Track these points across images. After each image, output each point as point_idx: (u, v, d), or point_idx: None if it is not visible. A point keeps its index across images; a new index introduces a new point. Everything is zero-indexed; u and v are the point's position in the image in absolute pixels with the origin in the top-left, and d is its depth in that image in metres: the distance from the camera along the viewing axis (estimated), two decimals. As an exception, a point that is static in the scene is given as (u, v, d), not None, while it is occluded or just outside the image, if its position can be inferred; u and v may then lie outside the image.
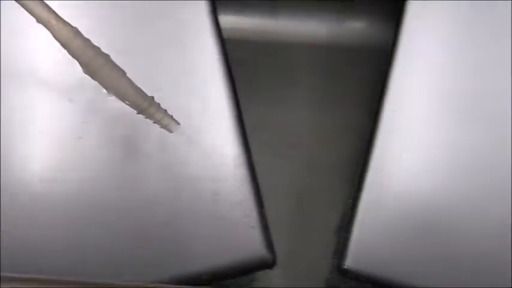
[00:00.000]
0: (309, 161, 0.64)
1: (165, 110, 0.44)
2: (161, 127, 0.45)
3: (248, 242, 0.47)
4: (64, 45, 0.36)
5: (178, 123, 0.45)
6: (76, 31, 0.36)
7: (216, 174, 0.48)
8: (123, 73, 0.39)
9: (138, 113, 0.42)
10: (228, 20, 0.68)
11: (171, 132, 0.45)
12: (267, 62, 0.68)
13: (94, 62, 0.37)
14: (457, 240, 0.49)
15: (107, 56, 0.38)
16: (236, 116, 0.50)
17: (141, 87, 0.41)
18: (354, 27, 0.69)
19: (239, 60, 0.64)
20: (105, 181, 0.47)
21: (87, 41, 0.37)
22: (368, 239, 0.49)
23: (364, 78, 0.60)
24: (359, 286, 0.50)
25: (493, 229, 0.48)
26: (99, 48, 0.37)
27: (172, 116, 0.44)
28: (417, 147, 0.50)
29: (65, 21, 0.36)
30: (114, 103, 0.41)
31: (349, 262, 0.48)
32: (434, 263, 0.48)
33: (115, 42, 0.48)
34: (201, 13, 0.53)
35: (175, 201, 0.47)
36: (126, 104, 0.40)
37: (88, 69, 0.37)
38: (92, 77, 0.38)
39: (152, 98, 0.42)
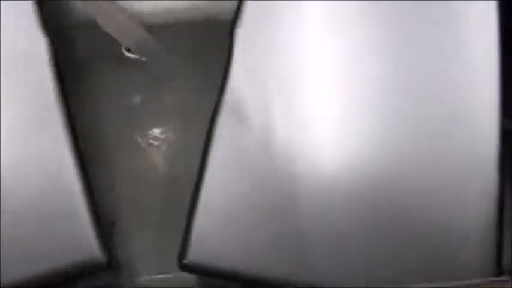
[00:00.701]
0: (176, 148, 0.63)
1: None
2: None
3: (78, 243, 0.46)
4: None
5: None
6: None
7: (45, 171, 0.46)
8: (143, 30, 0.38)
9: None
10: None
11: None
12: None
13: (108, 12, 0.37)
14: (301, 224, 0.48)
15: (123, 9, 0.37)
16: (64, 114, 0.48)
17: None
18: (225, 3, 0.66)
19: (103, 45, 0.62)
20: None
21: None
22: (209, 232, 0.48)
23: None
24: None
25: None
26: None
27: None
28: (259, 134, 0.49)
29: None
30: None
31: (190, 256, 0.47)
32: (277, 250, 0.48)
33: None
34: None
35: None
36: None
37: (101, 18, 0.36)
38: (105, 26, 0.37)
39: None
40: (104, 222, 0.50)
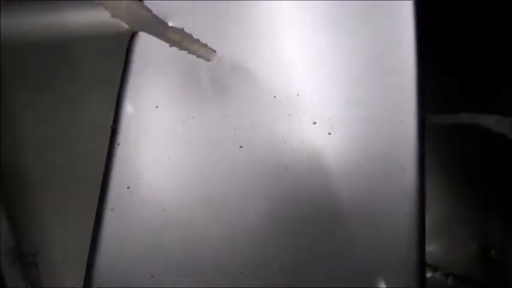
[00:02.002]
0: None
1: (198, 40, 0.43)
2: (197, 57, 0.44)
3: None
4: None
5: (214, 51, 0.45)
6: None
7: None
8: (149, 10, 0.38)
9: (170, 46, 0.41)
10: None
11: (208, 61, 0.45)
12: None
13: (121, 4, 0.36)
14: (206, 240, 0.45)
15: None
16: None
17: None
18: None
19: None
20: None
21: None
22: (112, 262, 0.45)
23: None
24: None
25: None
26: None
27: (206, 44, 0.44)
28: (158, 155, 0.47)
29: None
30: None
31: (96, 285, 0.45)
32: (181, 266, 0.45)
33: None
34: None
35: None
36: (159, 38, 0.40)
37: (114, 10, 0.35)
38: (119, 18, 0.36)
39: (182, 29, 0.41)
40: (25, 253, 0.49)
